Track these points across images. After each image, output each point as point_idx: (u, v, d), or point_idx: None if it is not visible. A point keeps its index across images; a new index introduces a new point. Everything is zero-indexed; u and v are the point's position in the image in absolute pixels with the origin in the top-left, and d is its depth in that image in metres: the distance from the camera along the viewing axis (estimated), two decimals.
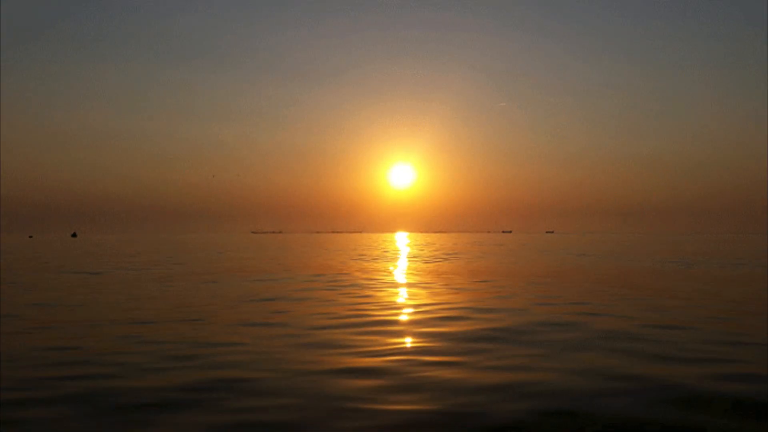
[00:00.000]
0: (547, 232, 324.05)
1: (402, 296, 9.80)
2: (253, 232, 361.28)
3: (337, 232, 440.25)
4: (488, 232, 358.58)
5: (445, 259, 22.81)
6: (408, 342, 5.78)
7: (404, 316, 7.53)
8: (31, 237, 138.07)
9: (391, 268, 17.00)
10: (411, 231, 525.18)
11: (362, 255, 26.71)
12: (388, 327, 6.71)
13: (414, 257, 24.68)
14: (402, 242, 55.57)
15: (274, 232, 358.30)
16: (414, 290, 10.82)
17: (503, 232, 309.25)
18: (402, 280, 13.28)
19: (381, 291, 10.61)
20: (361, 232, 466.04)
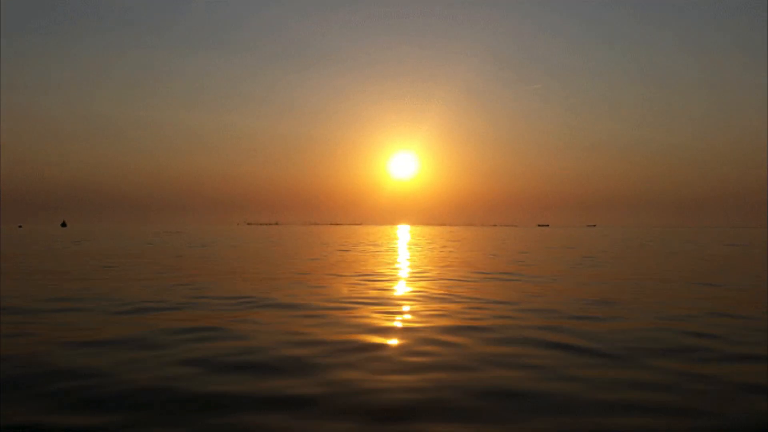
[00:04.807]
0: (588, 225, 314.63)
1: None
2: (248, 224, 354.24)
3: (336, 224, 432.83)
4: (515, 225, 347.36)
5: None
6: None
7: None
8: (20, 227, 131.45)
9: None
10: (414, 223, 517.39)
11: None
12: None
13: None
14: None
15: (270, 224, 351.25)
16: None
17: (539, 225, 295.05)
18: None
19: None
20: (360, 224, 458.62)
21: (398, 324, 5.90)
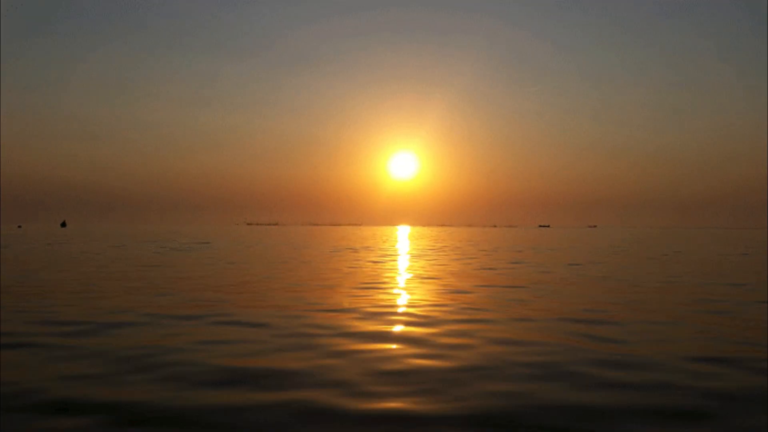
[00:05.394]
0: (589, 226, 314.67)
1: None
2: (248, 224, 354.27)
3: (336, 224, 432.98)
4: (515, 226, 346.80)
5: None
6: None
7: None
8: (20, 227, 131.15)
9: None
10: (413, 224, 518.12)
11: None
12: None
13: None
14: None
15: (270, 224, 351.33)
16: None
17: (540, 226, 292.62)
18: None
19: None
20: (360, 224, 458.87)
21: (419, 321, 6.00)
